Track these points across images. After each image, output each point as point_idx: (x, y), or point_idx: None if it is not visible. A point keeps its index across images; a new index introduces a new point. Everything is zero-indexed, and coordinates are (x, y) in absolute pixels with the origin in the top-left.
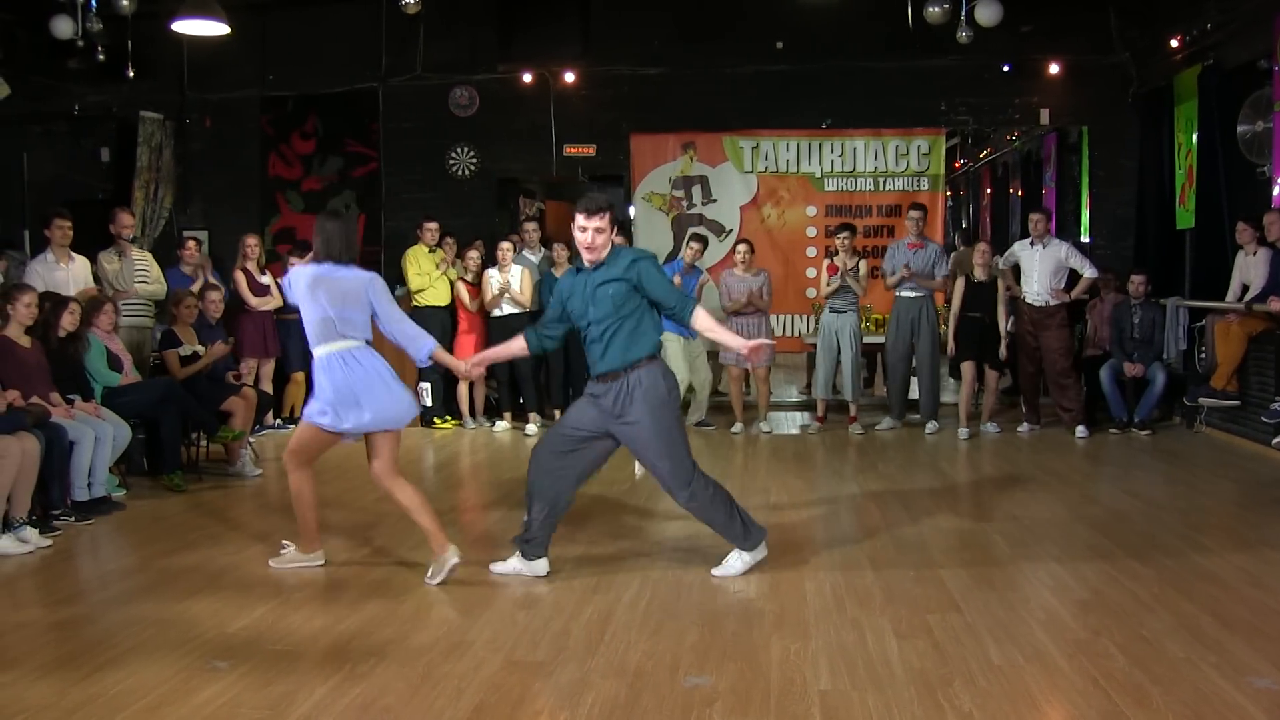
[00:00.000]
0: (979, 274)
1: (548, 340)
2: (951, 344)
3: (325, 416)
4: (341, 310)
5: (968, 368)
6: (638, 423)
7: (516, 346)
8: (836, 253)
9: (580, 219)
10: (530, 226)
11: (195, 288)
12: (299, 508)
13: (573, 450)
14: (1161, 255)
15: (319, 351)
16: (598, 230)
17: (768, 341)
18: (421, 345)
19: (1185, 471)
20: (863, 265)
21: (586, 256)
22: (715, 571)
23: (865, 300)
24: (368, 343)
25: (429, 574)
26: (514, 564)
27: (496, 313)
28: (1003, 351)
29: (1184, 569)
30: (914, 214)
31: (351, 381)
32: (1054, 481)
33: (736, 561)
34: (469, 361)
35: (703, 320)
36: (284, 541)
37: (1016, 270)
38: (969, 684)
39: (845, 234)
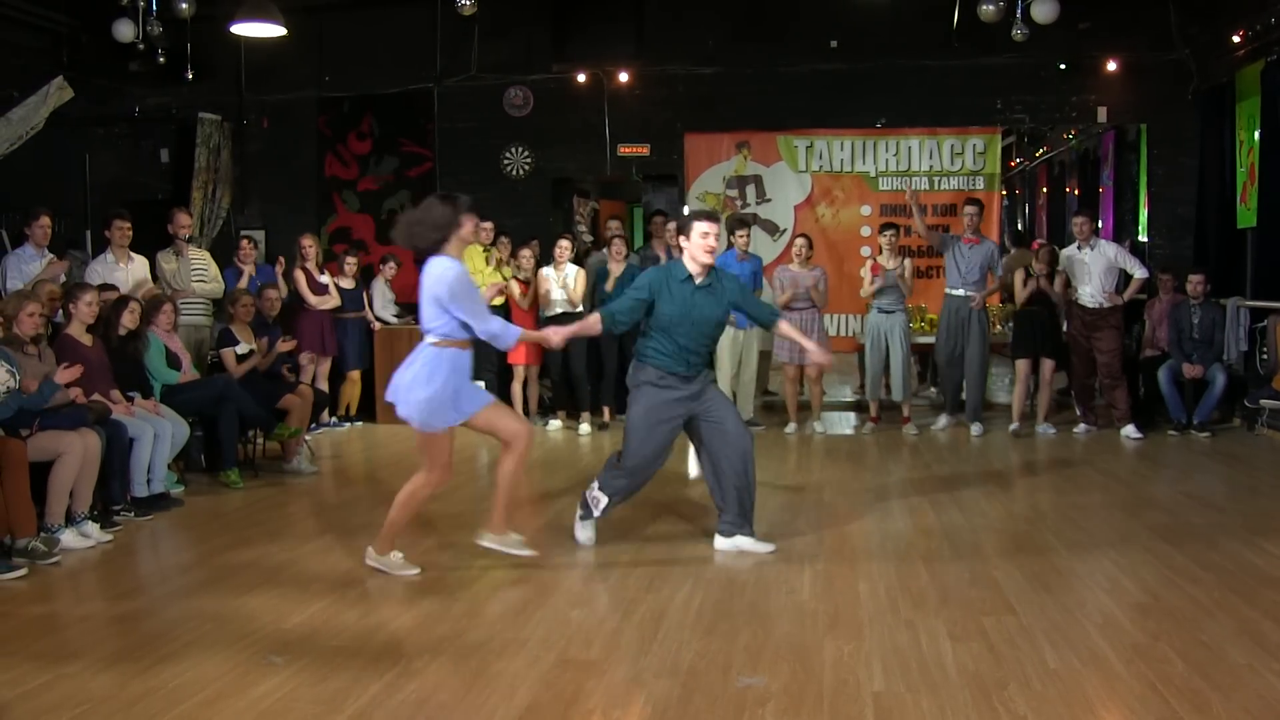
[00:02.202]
0: (1040, 269)
1: (619, 324)
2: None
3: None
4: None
5: (1022, 365)
6: (719, 397)
7: (591, 321)
8: (881, 251)
9: (706, 226)
10: (618, 243)
11: (242, 283)
12: (401, 515)
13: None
14: (1222, 255)
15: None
16: (719, 235)
17: (825, 359)
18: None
19: (1246, 474)
20: (908, 264)
21: (705, 261)
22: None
23: (920, 300)
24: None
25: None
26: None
27: (549, 312)
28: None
29: (1245, 573)
30: (969, 209)
31: None
32: (1111, 483)
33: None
34: (557, 333)
35: (784, 327)
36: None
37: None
38: (1024, 687)
39: (890, 233)
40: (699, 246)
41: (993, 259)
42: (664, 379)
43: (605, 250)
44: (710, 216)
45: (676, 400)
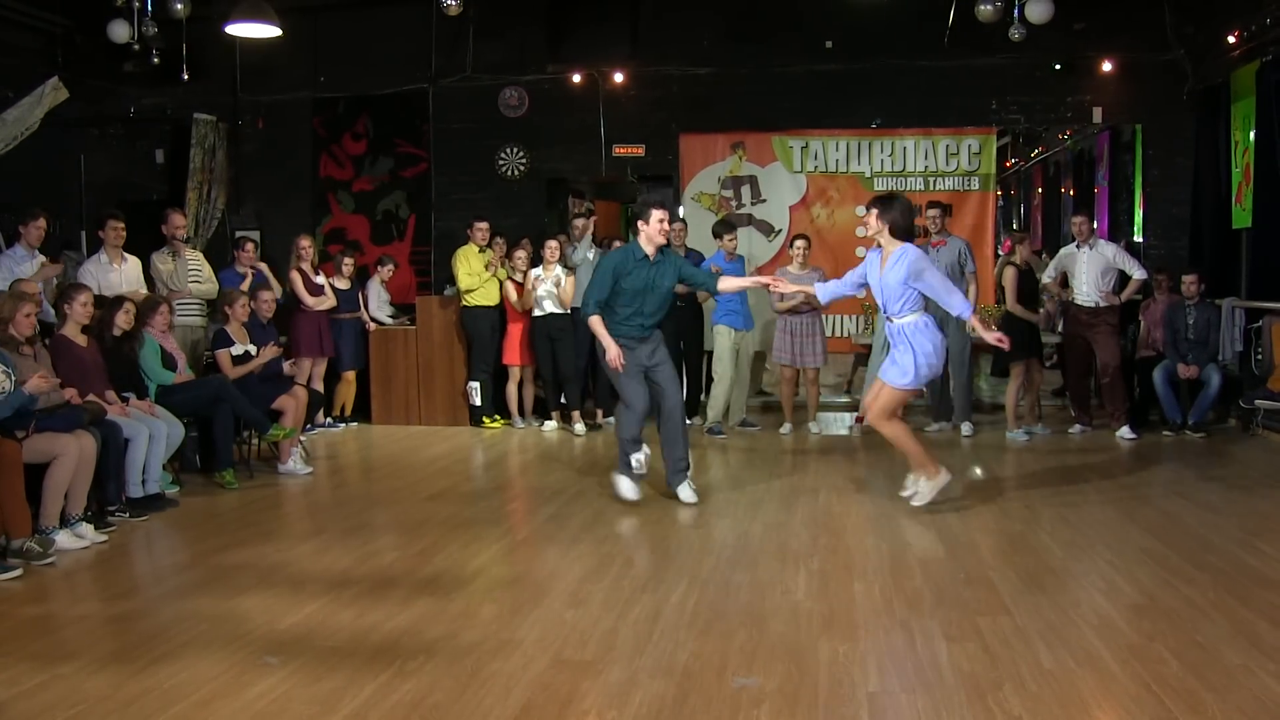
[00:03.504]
0: (1023, 260)
1: (600, 305)
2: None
3: (907, 378)
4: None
5: (1017, 368)
6: (667, 360)
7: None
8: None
9: (662, 213)
10: (580, 223)
11: (244, 286)
12: (908, 445)
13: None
14: (1217, 255)
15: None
16: (670, 220)
17: (772, 280)
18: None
19: (1241, 475)
20: None
21: (660, 243)
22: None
23: None
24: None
25: (912, 493)
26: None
27: (537, 312)
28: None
29: (1240, 574)
30: (931, 212)
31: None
32: (1106, 484)
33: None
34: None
35: (726, 283)
36: (910, 481)
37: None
38: (1019, 688)
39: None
40: (656, 230)
41: (963, 257)
42: (624, 342)
43: (580, 245)
44: (663, 205)
45: (635, 356)
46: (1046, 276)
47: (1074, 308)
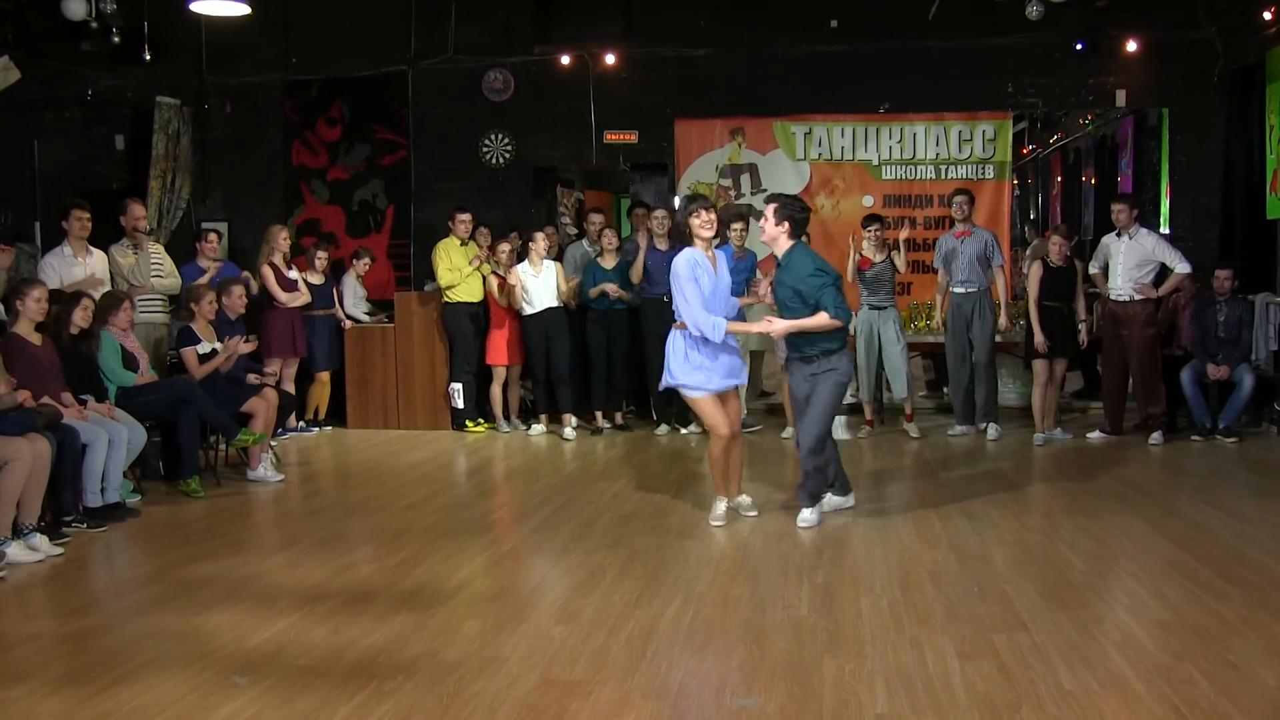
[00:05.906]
0: (1054, 258)
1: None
2: (1039, 334)
3: None
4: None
5: (1041, 367)
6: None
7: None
8: (864, 245)
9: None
10: (597, 218)
11: (205, 279)
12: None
13: None
14: (1250, 248)
15: None
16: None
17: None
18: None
19: (1275, 482)
20: (898, 258)
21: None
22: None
23: (923, 296)
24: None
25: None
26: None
27: (527, 310)
28: (1082, 338)
29: (1275, 588)
30: (958, 199)
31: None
32: (1130, 492)
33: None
34: (775, 326)
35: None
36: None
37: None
38: (1038, 710)
39: (874, 227)
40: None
41: (989, 249)
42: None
43: (584, 241)
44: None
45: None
46: (1092, 268)
47: (1109, 303)
